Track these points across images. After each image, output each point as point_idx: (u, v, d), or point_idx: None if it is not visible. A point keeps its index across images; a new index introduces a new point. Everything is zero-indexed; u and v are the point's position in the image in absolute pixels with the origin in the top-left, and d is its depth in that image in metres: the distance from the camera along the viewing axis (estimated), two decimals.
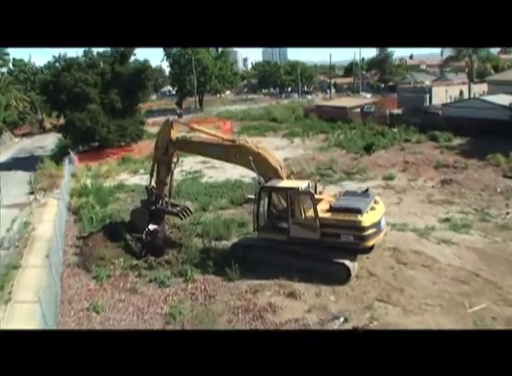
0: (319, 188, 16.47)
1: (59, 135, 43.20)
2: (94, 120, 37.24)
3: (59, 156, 38.48)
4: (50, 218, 20.87)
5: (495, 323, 11.27)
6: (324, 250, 13.98)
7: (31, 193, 27.31)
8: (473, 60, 49.86)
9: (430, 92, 50.23)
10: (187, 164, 29.65)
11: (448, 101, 47.11)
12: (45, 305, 12.57)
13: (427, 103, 48.31)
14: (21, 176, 33.34)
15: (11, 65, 70.40)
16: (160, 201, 17.29)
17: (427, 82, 68.50)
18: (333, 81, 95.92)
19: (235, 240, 17.32)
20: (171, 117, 17.90)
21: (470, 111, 36.02)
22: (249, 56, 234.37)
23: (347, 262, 13.70)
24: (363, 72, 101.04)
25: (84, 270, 15.94)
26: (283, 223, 14.60)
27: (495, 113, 34.75)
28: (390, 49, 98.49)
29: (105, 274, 15.28)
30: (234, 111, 64.94)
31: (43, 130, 65.40)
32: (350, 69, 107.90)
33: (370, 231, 13.45)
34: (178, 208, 17.57)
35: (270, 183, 14.86)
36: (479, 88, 50.77)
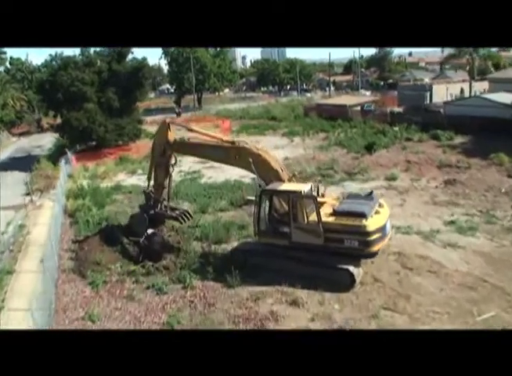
0: (321, 190, 15.99)
1: (57, 135, 42.73)
2: (91, 119, 36.77)
3: (56, 156, 37.94)
4: (46, 221, 20.43)
5: None
6: (327, 255, 13.53)
7: (27, 194, 26.81)
8: (474, 58, 49.33)
9: (430, 89, 49.84)
10: (185, 164, 29.15)
11: (449, 99, 46.75)
12: (39, 314, 12.14)
13: (428, 101, 47.94)
14: (17, 177, 32.88)
15: (8, 64, 69.86)
16: (159, 205, 16.83)
17: (427, 80, 68.03)
18: (332, 78, 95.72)
19: (235, 243, 16.89)
20: (168, 119, 17.37)
21: (472, 109, 35.74)
22: (247, 54, 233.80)
23: (351, 268, 13.26)
24: (362, 70, 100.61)
25: (80, 276, 15.48)
26: (285, 228, 14.11)
27: (497, 112, 34.46)
28: None
29: (101, 280, 14.82)
30: (233, 110, 64.49)
31: (41, 129, 64.84)
32: (349, 66, 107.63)
33: (375, 236, 13.00)
34: (178, 212, 17.11)
35: (271, 186, 14.39)
36: (480, 86, 50.42)
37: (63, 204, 23.47)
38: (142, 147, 36.19)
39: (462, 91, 51.46)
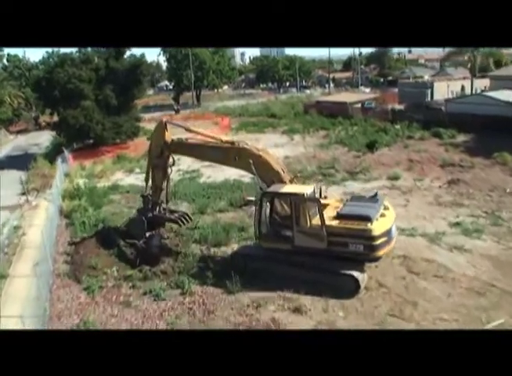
0: (323, 191, 15.51)
1: (54, 133, 42.16)
2: (88, 117, 36.28)
3: (53, 154, 37.40)
4: (41, 223, 19.91)
5: None
6: (331, 260, 13.07)
7: (23, 193, 26.29)
8: (476, 55, 48.84)
9: (431, 87, 49.43)
10: (184, 163, 28.52)
11: (450, 96, 46.31)
12: (32, 321, 11.71)
13: (429, 99, 47.50)
14: (14, 176, 32.21)
15: (5, 61, 69.25)
16: (158, 208, 16.37)
17: (427, 76, 67.61)
18: (331, 75, 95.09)
19: (235, 246, 16.45)
20: (165, 117, 16.89)
21: (473, 107, 35.40)
22: (246, 51, 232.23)
23: (355, 274, 12.81)
24: (362, 66, 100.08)
25: (75, 281, 15.01)
26: (287, 231, 13.62)
27: (499, 110, 34.06)
28: None
29: (97, 285, 14.35)
30: (232, 107, 63.98)
31: (39, 127, 64.21)
32: (348, 63, 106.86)
33: (381, 240, 12.51)
34: (177, 215, 16.67)
35: (272, 188, 13.91)
36: (480, 84, 49.95)
37: (59, 205, 22.96)
38: (140, 145, 35.67)
39: (463, 88, 51.04)
